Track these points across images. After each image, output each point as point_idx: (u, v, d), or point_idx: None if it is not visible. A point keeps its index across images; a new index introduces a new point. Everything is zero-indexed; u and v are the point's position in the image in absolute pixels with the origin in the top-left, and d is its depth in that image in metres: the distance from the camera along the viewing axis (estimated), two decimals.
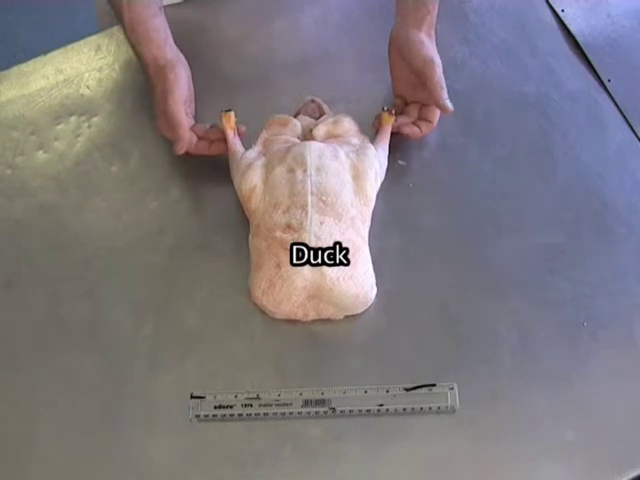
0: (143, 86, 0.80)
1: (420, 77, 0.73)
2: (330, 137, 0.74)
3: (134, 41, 0.74)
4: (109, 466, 0.63)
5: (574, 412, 0.64)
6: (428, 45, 0.74)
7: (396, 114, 0.75)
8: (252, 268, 0.69)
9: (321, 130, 0.75)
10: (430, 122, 0.76)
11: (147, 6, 0.73)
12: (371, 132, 0.76)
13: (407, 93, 0.77)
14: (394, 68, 0.77)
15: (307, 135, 0.75)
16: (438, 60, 0.73)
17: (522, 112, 0.81)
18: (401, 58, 0.75)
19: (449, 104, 0.72)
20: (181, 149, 0.72)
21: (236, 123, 0.74)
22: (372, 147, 0.73)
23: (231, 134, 0.73)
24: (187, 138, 0.72)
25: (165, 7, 0.76)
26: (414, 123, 0.76)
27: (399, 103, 0.78)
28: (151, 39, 0.73)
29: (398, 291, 0.70)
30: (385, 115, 0.74)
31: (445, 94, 0.72)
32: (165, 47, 0.74)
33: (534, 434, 0.63)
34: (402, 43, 0.74)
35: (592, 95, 0.83)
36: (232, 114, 0.73)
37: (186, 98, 0.74)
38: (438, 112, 0.75)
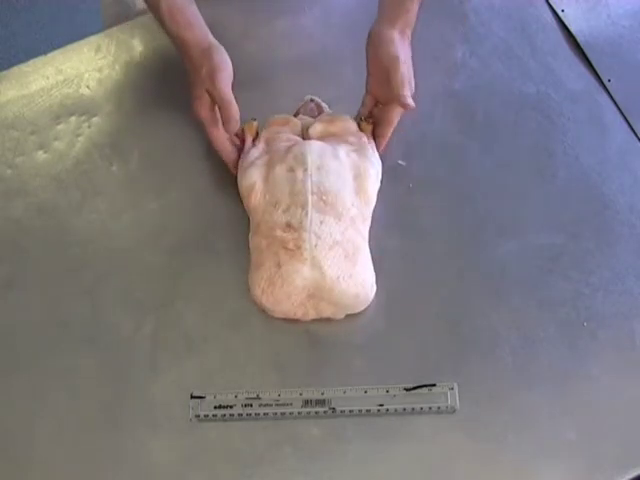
0: (143, 86, 0.81)
1: (386, 74, 0.73)
2: (326, 135, 0.74)
3: (174, 27, 0.73)
4: (109, 466, 0.63)
5: (574, 412, 0.64)
6: (397, 43, 0.73)
7: (368, 115, 0.76)
8: (252, 267, 0.69)
9: (317, 128, 0.75)
10: (389, 122, 0.75)
11: None
12: None
13: (379, 92, 0.76)
14: (369, 64, 0.76)
15: (305, 135, 0.75)
16: (403, 57, 0.73)
17: (522, 112, 0.81)
18: (375, 54, 0.75)
19: (410, 100, 0.71)
20: (234, 128, 0.72)
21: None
22: (369, 147, 0.73)
23: (249, 140, 0.75)
24: (238, 118, 0.71)
25: None
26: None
27: (369, 101, 0.77)
28: (192, 24, 0.74)
29: (398, 291, 0.70)
30: (363, 124, 0.76)
31: (406, 90, 0.72)
32: (207, 31, 0.75)
33: (534, 434, 0.63)
34: (375, 39, 0.75)
35: (592, 95, 0.83)
36: (256, 123, 0.76)
37: (232, 81, 0.73)
38: (398, 113, 0.75)
